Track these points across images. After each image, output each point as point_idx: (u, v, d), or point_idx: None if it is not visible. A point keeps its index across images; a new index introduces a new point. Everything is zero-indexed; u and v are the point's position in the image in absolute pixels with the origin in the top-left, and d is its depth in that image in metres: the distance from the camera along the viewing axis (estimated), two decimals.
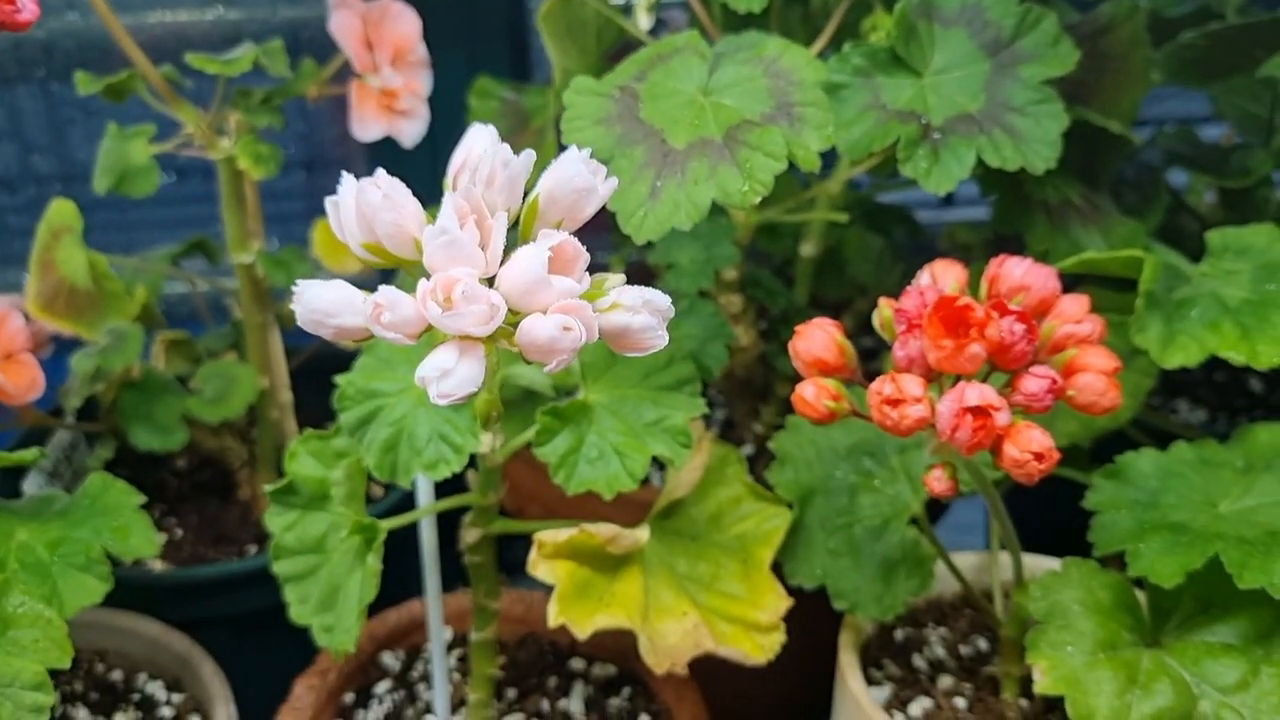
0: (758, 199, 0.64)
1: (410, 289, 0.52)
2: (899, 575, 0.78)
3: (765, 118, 0.67)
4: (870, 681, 0.81)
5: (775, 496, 0.81)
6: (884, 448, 0.82)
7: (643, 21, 0.85)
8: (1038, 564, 0.85)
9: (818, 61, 0.68)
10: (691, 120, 0.67)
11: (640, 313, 0.53)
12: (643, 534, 0.75)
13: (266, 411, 1.03)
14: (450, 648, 0.91)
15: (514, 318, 0.52)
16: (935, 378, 0.65)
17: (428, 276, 0.52)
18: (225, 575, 0.94)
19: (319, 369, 1.10)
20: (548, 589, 0.74)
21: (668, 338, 0.54)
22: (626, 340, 0.54)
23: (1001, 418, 0.61)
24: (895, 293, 1.11)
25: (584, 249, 0.52)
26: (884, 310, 0.68)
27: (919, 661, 0.84)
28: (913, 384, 0.62)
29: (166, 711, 0.86)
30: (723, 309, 0.91)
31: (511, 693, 0.87)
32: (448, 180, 0.58)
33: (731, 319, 0.92)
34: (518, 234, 0.56)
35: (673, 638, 0.74)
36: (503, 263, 0.52)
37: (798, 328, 0.68)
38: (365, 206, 0.53)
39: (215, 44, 1.25)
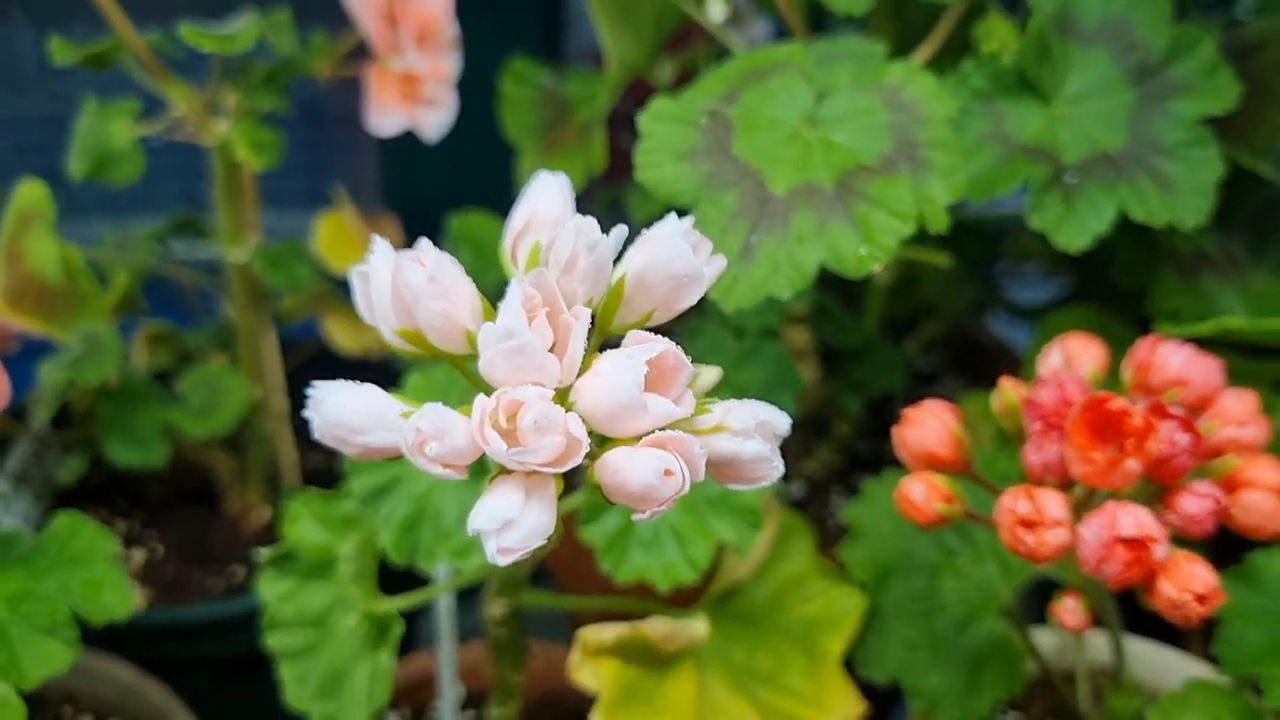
0: (878, 267, 0.53)
1: None
2: (986, 675, 0.68)
3: (885, 161, 0.55)
4: None
5: (846, 576, 0.70)
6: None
7: (715, 11, 0.73)
8: (1135, 650, 0.76)
9: (948, 93, 0.56)
10: (796, 160, 0.55)
11: (752, 438, 0.42)
12: (699, 627, 0.65)
13: (259, 422, 0.92)
14: (464, 707, 0.81)
15: (593, 434, 0.41)
16: (1070, 484, 0.54)
17: (484, 388, 0.41)
18: (209, 619, 0.84)
19: (320, 367, 1.00)
20: (571, 640, 0.64)
21: (783, 466, 0.43)
22: (732, 471, 0.43)
23: (1160, 551, 0.51)
24: (964, 317, 0.99)
25: (688, 360, 0.40)
26: (1007, 395, 0.58)
27: None
28: (1054, 504, 0.52)
29: None
30: (786, 345, 0.80)
31: None
32: (505, 245, 0.46)
33: (796, 355, 0.81)
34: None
35: None
36: (582, 370, 0.41)
37: (906, 413, 0.57)
38: (405, 289, 0.41)
39: (211, 6, 1.11)
